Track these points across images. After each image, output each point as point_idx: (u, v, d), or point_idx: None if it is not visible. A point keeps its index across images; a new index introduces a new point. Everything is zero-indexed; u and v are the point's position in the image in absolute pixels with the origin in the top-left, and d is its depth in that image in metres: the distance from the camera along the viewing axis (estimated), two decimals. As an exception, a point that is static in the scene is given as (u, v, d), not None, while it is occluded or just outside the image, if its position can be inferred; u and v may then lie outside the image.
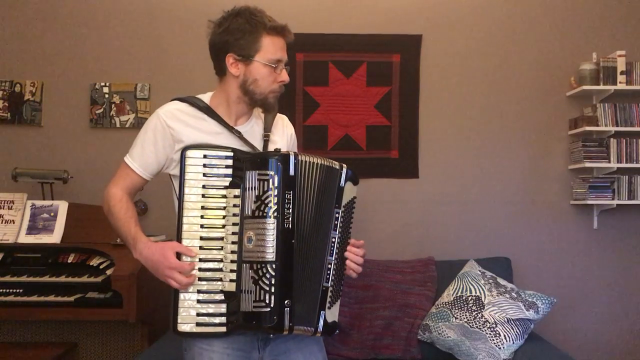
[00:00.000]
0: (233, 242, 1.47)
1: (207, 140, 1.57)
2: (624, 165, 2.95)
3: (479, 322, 2.47)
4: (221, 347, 1.53)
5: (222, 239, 1.48)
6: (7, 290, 2.49)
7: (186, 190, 1.49)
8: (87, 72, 3.08)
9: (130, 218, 1.57)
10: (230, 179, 1.49)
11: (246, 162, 1.50)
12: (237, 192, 1.48)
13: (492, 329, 2.43)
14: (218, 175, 1.50)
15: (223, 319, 1.47)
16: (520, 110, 3.13)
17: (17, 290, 2.50)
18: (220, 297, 1.47)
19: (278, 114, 1.76)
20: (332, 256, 1.55)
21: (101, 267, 2.56)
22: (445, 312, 2.58)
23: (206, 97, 1.69)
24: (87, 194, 3.00)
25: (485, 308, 2.50)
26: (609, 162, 2.95)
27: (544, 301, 2.49)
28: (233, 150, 1.53)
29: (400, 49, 3.10)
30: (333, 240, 1.55)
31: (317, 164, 1.54)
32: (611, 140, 2.97)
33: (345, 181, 1.58)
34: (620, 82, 2.96)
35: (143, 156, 1.61)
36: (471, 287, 2.61)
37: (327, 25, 3.09)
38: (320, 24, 3.08)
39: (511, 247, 3.05)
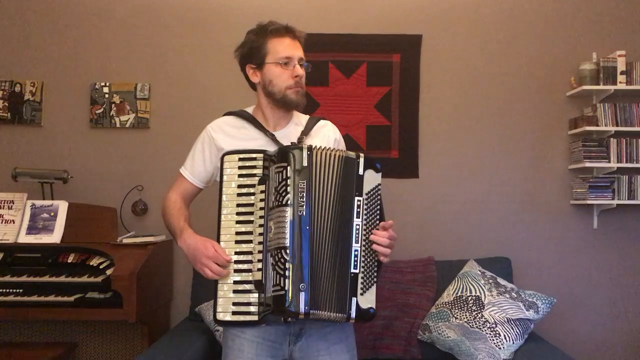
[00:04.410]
0: (260, 234, 1.59)
1: (245, 145, 1.71)
2: (624, 165, 2.95)
3: (479, 322, 2.47)
4: (252, 336, 1.64)
5: (251, 232, 1.60)
6: (7, 290, 2.50)
7: (224, 190, 1.64)
8: (87, 72, 3.08)
9: (180, 214, 1.76)
10: (259, 177, 1.62)
11: (271, 160, 1.62)
12: (263, 187, 1.60)
13: (492, 329, 2.43)
14: (250, 175, 1.63)
15: (255, 308, 1.57)
16: (520, 110, 3.13)
17: (17, 290, 2.50)
18: (250, 286, 1.58)
19: (322, 120, 1.89)
20: (358, 243, 1.59)
21: (101, 267, 2.56)
22: (445, 312, 2.58)
23: (250, 109, 1.86)
24: (87, 194, 3.00)
25: (485, 308, 2.50)
26: (609, 162, 2.95)
27: (544, 301, 2.49)
28: (263, 151, 1.65)
29: (400, 49, 3.10)
30: (357, 227, 1.60)
31: (333, 155, 1.61)
32: (611, 140, 2.97)
33: (365, 169, 1.62)
34: (620, 82, 2.96)
35: (193, 165, 1.82)
36: (471, 287, 2.61)
37: (327, 25, 3.09)
38: (320, 24, 3.08)
39: (511, 247, 3.05)
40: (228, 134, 1.78)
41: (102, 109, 3.06)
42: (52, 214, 2.74)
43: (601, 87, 2.97)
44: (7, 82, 3.06)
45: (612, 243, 3.10)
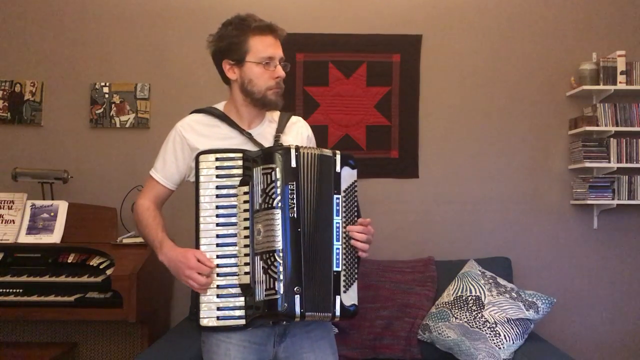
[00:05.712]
0: (245, 237, 1.55)
1: (220, 145, 1.65)
2: (624, 165, 2.95)
3: (479, 322, 2.47)
4: (239, 340, 1.60)
5: (235, 235, 1.56)
6: (7, 290, 2.50)
7: (201, 192, 1.58)
8: (87, 72, 3.08)
9: (157, 224, 1.69)
10: (240, 177, 1.57)
11: (253, 160, 1.57)
12: (246, 189, 1.56)
13: (492, 329, 2.43)
14: (229, 176, 1.58)
15: (242, 312, 1.54)
16: (520, 110, 3.13)
17: (17, 290, 2.50)
18: (237, 290, 1.55)
19: (294, 117, 1.84)
20: (339, 241, 1.59)
21: (101, 267, 2.56)
22: (445, 312, 2.58)
23: (221, 106, 1.78)
24: (87, 194, 3.00)
25: (485, 308, 2.50)
26: (609, 162, 2.95)
27: (544, 301, 2.49)
28: (242, 151, 1.60)
29: (400, 49, 3.10)
30: (337, 225, 1.59)
31: (315, 154, 1.59)
32: (611, 140, 2.97)
33: (342, 167, 1.61)
34: (620, 82, 2.96)
35: (165, 167, 1.75)
36: (471, 287, 2.61)
37: (327, 25, 3.09)
38: (320, 24, 3.08)
39: (511, 247, 3.05)
40: (200, 133, 1.71)
41: (102, 109, 3.06)
42: (52, 214, 2.74)
43: (601, 87, 2.97)
44: (7, 82, 3.06)
45: (612, 243, 3.10)
